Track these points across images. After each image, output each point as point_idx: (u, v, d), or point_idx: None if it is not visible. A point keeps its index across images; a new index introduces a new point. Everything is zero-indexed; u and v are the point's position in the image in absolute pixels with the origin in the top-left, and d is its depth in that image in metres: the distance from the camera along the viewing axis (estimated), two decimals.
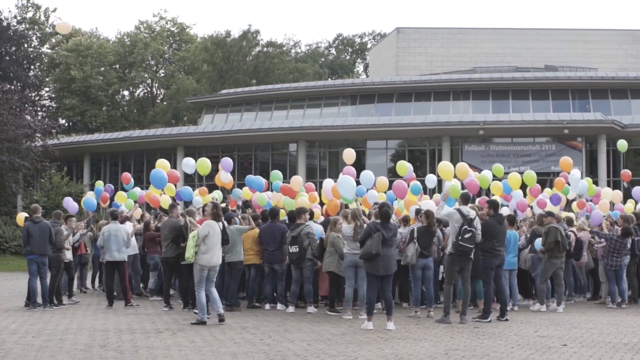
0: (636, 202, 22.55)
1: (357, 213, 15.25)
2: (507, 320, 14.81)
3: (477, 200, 20.05)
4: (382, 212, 13.97)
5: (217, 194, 21.16)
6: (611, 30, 64.15)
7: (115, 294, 18.91)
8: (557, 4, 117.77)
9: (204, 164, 20.24)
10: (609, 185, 35.50)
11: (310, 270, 16.31)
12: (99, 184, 23.31)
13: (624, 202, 23.11)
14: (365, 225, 14.52)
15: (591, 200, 21.88)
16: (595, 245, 18.66)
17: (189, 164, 20.71)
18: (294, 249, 16.15)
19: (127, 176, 22.79)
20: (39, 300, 16.92)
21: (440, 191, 22.20)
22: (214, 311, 14.32)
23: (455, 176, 19.08)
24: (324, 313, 15.84)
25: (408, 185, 19.00)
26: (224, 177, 20.55)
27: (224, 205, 18.43)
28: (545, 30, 63.99)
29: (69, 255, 18.33)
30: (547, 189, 22.38)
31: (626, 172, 24.99)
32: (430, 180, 22.10)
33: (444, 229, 16.59)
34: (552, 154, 41.30)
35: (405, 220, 16.91)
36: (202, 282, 14.18)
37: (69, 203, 22.07)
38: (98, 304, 18.15)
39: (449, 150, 42.87)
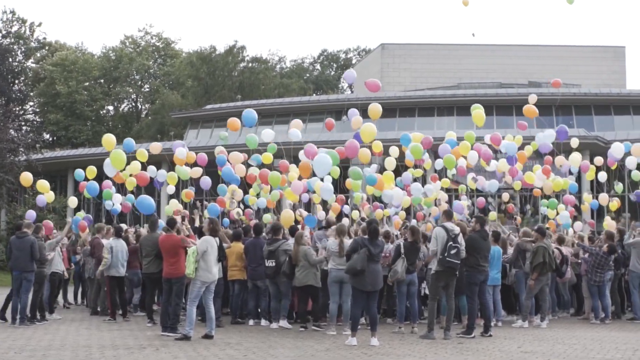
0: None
1: (342, 229, 15.32)
2: (490, 336, 14.85)
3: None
4: (370, 229, 14.00)
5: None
6: (593, 46, 64.51)
7: (99, 309, 18.92)
8: (540, 21, 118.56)
9: (117, 157, 19.12)
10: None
11: (286, 286, 16.31)
12: (80, 214, 23.01)
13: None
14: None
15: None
16: (580, 259, 18.70)
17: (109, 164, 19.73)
18: (270, 263, 16.20)
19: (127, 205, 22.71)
20: (27, 313, 16.81)
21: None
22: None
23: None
24: (309, 329, 15.82)
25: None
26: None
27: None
28: (529, 47, 64.25)
29: (60, 266, 18.37)
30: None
31: (557, 81, 24.46)
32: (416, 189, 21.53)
33: (427, 244, 16.57)
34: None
35: (387, 237, 16.90)
36: (198, 297, 14.19)
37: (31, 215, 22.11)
38: (81, 320, 18.07)
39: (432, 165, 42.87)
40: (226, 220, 23.14)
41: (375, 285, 13.79)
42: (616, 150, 22.02)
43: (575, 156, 22.57)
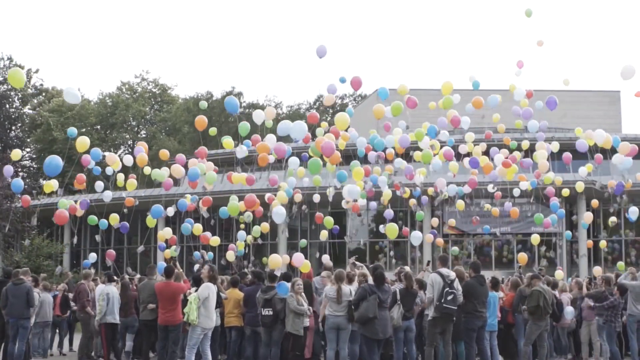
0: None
1: (340, 275, 15.22)
2: None
3: None
4: (376, 275, 14.03)
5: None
6: (589, 91, 64.79)
7: (93, 354, 18.77)
8: (534, 66, 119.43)
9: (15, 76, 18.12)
10: (589, 247, 35.74)
11: (280, 334, 15.99)
12: (70, 201, 22.72)
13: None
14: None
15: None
16: (582, 307, 18.52)
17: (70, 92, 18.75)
18: (267, 311, 15.80)
19: (111, 253, 22.85)
20: None
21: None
22: None
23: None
24: None
25: None
26: None
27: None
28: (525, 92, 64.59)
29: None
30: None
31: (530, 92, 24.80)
32: (416, 237, 21.87)
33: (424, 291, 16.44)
34: (532, 214, 41.42)
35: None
36: (197, 344, 14.15)
37: None
38: None
39: (429, 210, 42.91)
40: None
41: (386, 333, 13.86)
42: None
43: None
